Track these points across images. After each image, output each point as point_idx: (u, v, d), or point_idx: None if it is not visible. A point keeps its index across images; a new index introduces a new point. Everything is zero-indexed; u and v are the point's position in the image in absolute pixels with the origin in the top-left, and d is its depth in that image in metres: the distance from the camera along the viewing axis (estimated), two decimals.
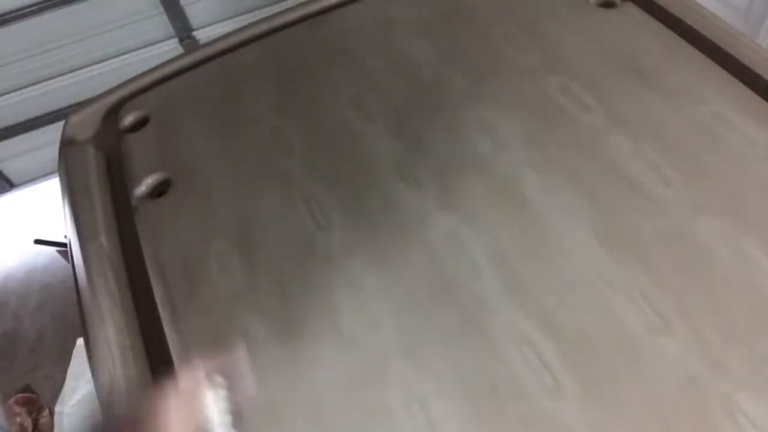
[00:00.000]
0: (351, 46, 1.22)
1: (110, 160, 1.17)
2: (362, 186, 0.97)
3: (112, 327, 0.87)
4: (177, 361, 0.83)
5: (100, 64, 2.82)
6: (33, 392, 2.27)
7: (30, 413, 2.18)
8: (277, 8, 2.19)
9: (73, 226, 1.02)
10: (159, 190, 1.05)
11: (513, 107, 1.03)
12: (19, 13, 2.49)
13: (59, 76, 2.79)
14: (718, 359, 0.71)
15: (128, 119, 1.18)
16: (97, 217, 1.03)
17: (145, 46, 2.85)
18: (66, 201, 1.08)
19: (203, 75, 1.25)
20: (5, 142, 2.90)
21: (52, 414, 2.12)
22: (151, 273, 0.93)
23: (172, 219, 0.99)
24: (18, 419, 2.14)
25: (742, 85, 0.98)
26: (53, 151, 1.22)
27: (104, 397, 0.81)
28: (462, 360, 0.76)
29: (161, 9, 2.72)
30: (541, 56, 1.10)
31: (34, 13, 2.51)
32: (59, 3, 2.52)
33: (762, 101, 0.96)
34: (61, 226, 1.06)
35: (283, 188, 0.99)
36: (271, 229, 0.94)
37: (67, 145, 1.20)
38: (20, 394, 2.25)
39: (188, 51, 1.34)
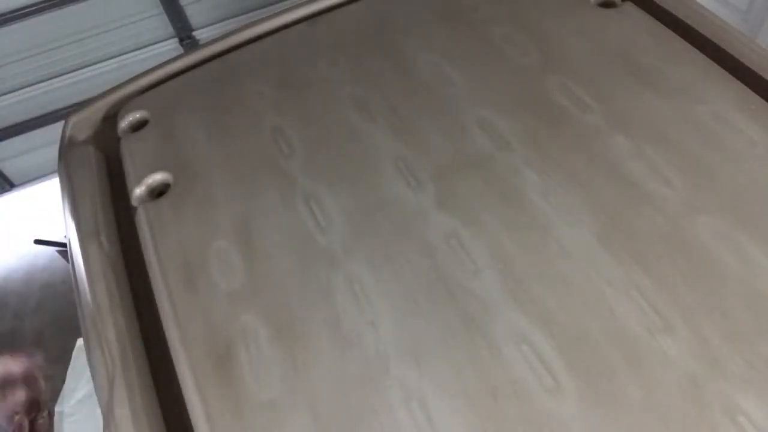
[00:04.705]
0: (351, 46, 1.22)
1: (110, 160, 1.17)
2: (362, 185, 0.97)
3: (112, 327, 0.87)
4: (177, 362, 0.83)
5: (100, 64, 2.83)
6: (37, 391, 2.26)
7: (29, 413, 2.17)
8: (277, 8, 2.19)
9: (73, 226, 1.02)
10: (159, 190, 1.05)
11: (513, 107, 1.03)
12: (19, 13, 2.49)
13: (59, 76, 2.79)
14: (718, 359, 0.71)
15: (128, 119, 1.18)
16: (97, 217, 1.03)
17: (145, 46, 2.85)
18: (66, 201, 1.08)
19: (203, 75, 1.25)
20: (5, 142, 2.91)
21: (51, 414, 2.11)
22: (151, 273, 0.93)
23: (172, 219, 0.99)
24: (16, 418, 2.13)
25: (742, 85, 0.98)
26: (53, 151, 1.22)
27: (104, 397, 0.81)
28: (462, 359, 0.76)
29: (161, 9, 2.72)
30: (541, 56, 1.10)
31: (34, 13, 2.51)
32: (59, 3, 2.53)
33: (762, 101, 0.96)
34: (61, 226, 1.06)
35: (283, 188, 0.99)
36: (271, 229, 0.94)
37: (67, 145, 1.20)
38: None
39: (188, 51, 1.34)
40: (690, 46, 1.06)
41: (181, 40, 2.87)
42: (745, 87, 0.98)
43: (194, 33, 2.88)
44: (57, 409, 2.03)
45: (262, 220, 0.96)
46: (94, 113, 1.24)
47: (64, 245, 1.12)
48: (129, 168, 1.09)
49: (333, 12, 1.32)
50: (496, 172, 0.94)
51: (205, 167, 1.06)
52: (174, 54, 1.56)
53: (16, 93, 2.78)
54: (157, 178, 1.06)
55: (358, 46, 1.22)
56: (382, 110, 1.08)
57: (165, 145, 1.11)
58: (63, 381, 2.07)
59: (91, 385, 0.86)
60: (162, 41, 2.87)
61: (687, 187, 0.87)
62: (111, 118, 1.23)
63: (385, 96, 1.10)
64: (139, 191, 1.05)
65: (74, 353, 2.14)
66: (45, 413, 2.20)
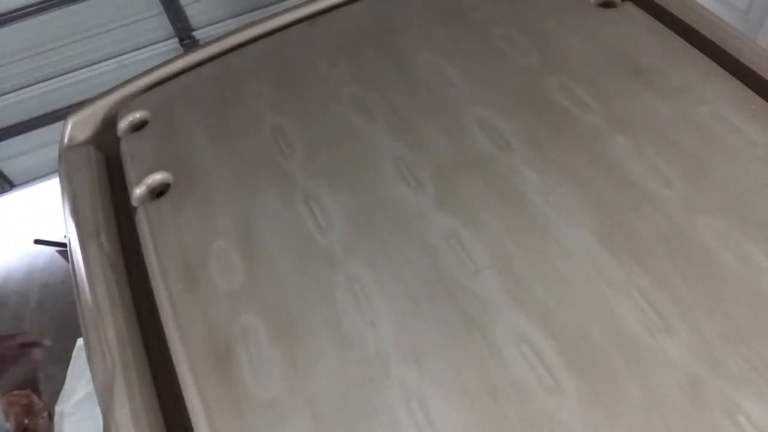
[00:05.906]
0: (351, 46, 1.22)
1: (110, 160, 1.17)
2: (362, 186, 0.97)
3: (112, 327, 0.87)
4: (177, 362, 0.83)
5: (100, 64, 2.83)
6: (37, 391, 2.26)
7: (27, 412, 2.17)
8: (277, 8, 2.19)
9: (73, 226, 1.02)
10: (159, 190, 1.05)
11: (513, 107, 1.03)
12: (19, 13, 2.49)
13: (59, 76, 2.80)
14: (718, 359, 0.71)
15: (128, 119, 1.18)
16: (97, 217, 1.03)
17: (145, 46, 2.85)
18: (66, 201, 1.08)
19: (203, 75, 1.25)
20: (5, 142, 2.91)
21: (51, 415, 2.11)
22: (151, 273, 0.93)
23: (172, 219, 0.99)
24: (12, 408, 2.12)
25: (742, 85, 0.98)
26: (53, 151, 1.22)
27: (104, 397, 0.81)
28: (462, 360, 0.76)
29: (161, 9, 2.72)
30: (541, 56, 1.10)
31: (34, 13, 2.52)
32: (59, 3, 2.53)
33: (762, 101, 0.96)
34: (61, 226, 1.06)
35: (283, 188, 0.99)
36: (271, 229, 0.94)
37: (67, 145, 1.20)
38: (20, 391, 2.24)
39: (188, 51, 1.34)
40: (690, 46, 1.06)
41: (181, 40, 2.88)
42: (745, 87, 0.98)
43: (194, 33, 2.89)
44: (57, 409, 2.03)
45: (262, 220, 0.96)
46: (94, 113, 1.24)
47: (64, 245, 1.12)
48: (129, 168, 1.09)
49: (333, 12, 1.32)
50: (496, 172, 0.94)
51: (206, 167, 1.06)
52: (174, 54, 1.57)
53: (16, 93, 2.78)
54: (157, 178, 1.06)
55: (358, 46, 1.22)
56: (382, 110, 1.08)
57: (165, 145, 1.11)
58: (63, 381, 2.08)
59: (91, 385, 0.86)
60: (162, 41, 2.87)
61: (687, 187, 0.87)
62: (111, 118, 1.23)
63: (385, 96, 1.10)
64: (139, 191, 1.05)
65: (74, 353, 2.14)
66: (45, 413, 2.19)
